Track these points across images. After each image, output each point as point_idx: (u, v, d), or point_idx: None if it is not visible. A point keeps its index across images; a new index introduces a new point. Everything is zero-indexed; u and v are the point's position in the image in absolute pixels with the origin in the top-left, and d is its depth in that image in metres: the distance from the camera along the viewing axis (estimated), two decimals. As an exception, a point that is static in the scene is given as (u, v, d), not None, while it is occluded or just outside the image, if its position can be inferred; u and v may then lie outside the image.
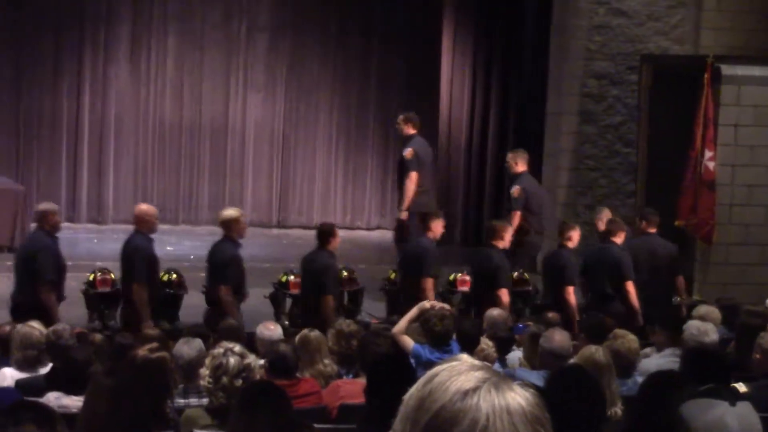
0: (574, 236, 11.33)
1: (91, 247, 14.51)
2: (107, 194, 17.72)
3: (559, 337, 7.22)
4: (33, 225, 11.13)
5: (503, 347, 8.71)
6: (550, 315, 9.75)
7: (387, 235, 17.44)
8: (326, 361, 7.36)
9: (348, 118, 18.80)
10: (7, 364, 7.32)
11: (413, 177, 12.78)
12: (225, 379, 5.63)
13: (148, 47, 17.98)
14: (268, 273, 11.44)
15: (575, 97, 14.73)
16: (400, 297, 11.42)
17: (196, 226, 17.68)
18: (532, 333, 8.07)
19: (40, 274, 10.08)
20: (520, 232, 12.26)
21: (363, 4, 18.34)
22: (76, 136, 17.66)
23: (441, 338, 7.75)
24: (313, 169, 18.64)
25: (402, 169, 13.14)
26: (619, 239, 11.31)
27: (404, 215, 12.90)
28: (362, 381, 6.17)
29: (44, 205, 10.78)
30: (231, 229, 10.62)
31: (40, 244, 10.34)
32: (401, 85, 18.61)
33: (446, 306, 8.53)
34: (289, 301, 11.32)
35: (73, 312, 10.63)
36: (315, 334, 7.47)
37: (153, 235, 10.70)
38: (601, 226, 11.94)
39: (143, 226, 10.61)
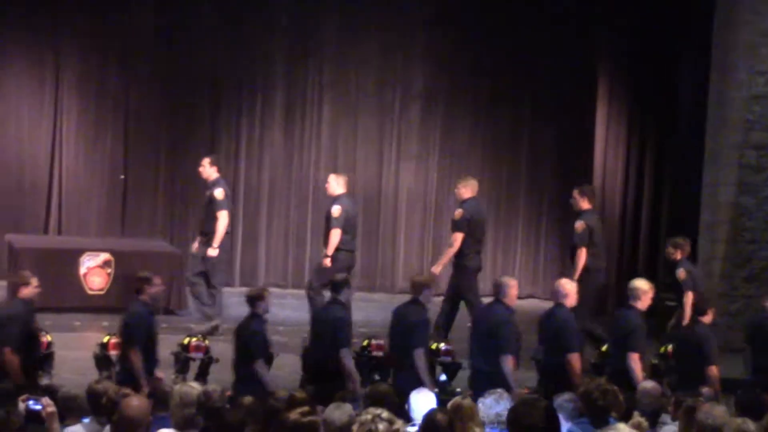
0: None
1: (243, 311, 14.64)
2: (260, 259, 17.95)
3: (718, 412, 7.03)
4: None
5: (654, 420, 8.51)
6: (705, 389, 9.52)
7: (538, 304, 17.29)
8: (478, 429, 7.27)
9: (499, 186, 18.77)
10: (165, 424, 7.39)
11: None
12: (375, 446, 5.58)
13: (302, 114, 18.23)
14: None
15: (733, 167, 14.48)
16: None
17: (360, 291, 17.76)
18: (688, 407, 7.86)
19: (503, 346, 10.33)
20: (337, 250, 13.53)
21: (516, 74, 18.34)
22: (232, 201, 17.94)
23: (601, 413, 7.51)
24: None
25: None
26: None
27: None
28: (514, 451, 6.07)
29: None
30: (640, 298, 10.69)
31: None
32: (553, 155, 18.57)
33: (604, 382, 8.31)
34: (439, 369, 11.24)
35: (222, 375, 10.73)
36: (467, 402, 7.40)
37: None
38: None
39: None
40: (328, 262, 13.66)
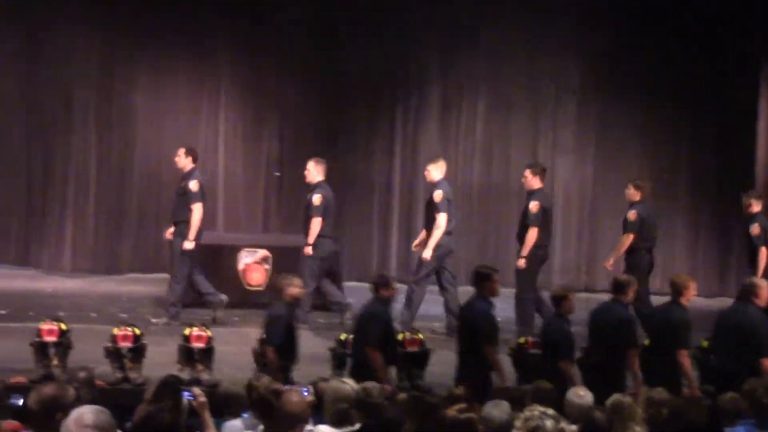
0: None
1: (399, 307, 14.70)
2: (416, 253, 17.95)
3: None
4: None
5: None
6: None
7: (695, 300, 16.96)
8: (638, 428, 7.15)
9: (657, 181, 18.47)
10: (322, 421, 7.45)
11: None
12: (542, 442, 5.55)
13: (457, 109, 18.22)
14: (578, 337, 11.25)
15: None
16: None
17: (502, 287, 17.61)
18: None
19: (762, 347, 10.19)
20: (319, 237, 13.80)
21: (675, 67, 18.00)
22: (388, 196, 18.03)
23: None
24: (620, 234, 18.34)
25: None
26: None
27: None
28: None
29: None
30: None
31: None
32: (714, 149, 18.16)
33: None
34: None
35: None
36: (627, 400, 7.29)
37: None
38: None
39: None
40: (309, 250, 13.83)
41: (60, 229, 17.45)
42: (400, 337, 11.11)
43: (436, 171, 14.07)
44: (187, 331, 10.71)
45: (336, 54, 17.75)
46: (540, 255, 13.76)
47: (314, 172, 14.14)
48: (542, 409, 5.73)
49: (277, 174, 17.68)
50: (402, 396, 8.15)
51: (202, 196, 13.90)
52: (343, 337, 10.97)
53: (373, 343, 10.22)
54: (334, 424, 7.34)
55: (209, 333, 10.72)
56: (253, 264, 14.74)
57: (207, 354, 10.63)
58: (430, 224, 13.96)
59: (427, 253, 13.75)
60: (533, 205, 13.69)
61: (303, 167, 17.62)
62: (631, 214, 13.82)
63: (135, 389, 9.92)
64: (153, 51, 17.51)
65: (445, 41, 18.11)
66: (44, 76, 17.31)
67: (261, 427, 7.32)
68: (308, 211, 13.98)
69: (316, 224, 13.84)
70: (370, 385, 7.81)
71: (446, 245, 13.88)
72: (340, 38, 17.77)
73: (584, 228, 18.22)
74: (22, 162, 17.42)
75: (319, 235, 13.87)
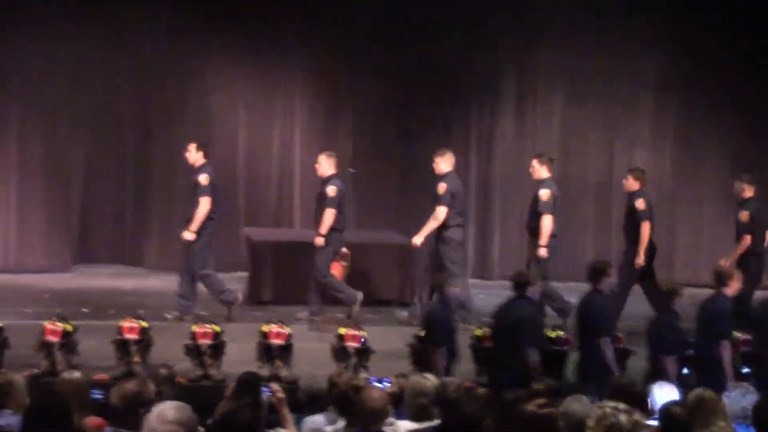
0: None
1: (476, 302, 14.67)
2: (493, 250, 17.94)
3: None
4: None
5: None
6: None
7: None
8: (722, 423, 7.07)
9: (736, 174, 18.25)
10: (403, 416, 7.48)
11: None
12: (619, 437, 5.52)
13: (534, 105, 18.15)
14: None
15: None
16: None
17: (582, 282, 17.51)
18: None
19: None
20: (331, 229, 13.73)
21: (754, 62, 17.80)
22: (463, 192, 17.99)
23: None
24: (700, 226, 18.23)
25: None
26: None
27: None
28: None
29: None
30: None
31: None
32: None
33: None
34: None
35: (462, 367, 10.76)
36: (709, 393, 7.22)
37: None
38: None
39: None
40: (321, 241, 13.73)
41: (141, 228, 17.65)
42: (479, 332, 11.11)
43: (443, 163, 13.96)
44: (265, 328, 10.79)
45: (410, 51, 17.73)
46: (552, 244, 13.84)
47: (326, 165, 14.04)
48: (613, 404, 5.69)
49: (353, 171, 17.69)
50: (481, 391, 8.14)
51: (212, 190, 13.68)
52: (422, 333, 10.98)
53: (534, 345, 10.37)
54: (414, 419, 7.36)
55: (288, 330, 10.78)
56: (331, 261, 14.75)
57: (286, 351, 10.69)
58: None
59: (418, 240, 13.83)
60: (544, 194, 13.78)
61: (379, 165, 17.79)
62: (640, 203, 13.73)
63: (215, 386, 10.02)
64: (227, 51, 17.61)
65: (521, 36, 18.05)
66: (123, 81, 17.47)
67: (342, 422, 7.35)
68: (321, 203, 13.94)
69: (329, 215, 13.76)
70: (449, 380, 7.82)
71: (456, 238, 13.89)
72: (414, 35, 17.75)
73: (662, 221, 18.00)
74: (105, 164, 17.61)
75: (332, 228, 13.81)
